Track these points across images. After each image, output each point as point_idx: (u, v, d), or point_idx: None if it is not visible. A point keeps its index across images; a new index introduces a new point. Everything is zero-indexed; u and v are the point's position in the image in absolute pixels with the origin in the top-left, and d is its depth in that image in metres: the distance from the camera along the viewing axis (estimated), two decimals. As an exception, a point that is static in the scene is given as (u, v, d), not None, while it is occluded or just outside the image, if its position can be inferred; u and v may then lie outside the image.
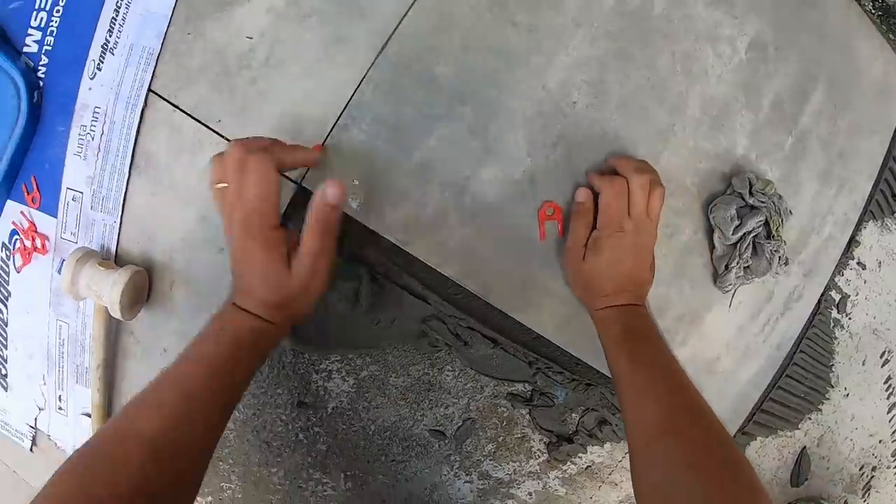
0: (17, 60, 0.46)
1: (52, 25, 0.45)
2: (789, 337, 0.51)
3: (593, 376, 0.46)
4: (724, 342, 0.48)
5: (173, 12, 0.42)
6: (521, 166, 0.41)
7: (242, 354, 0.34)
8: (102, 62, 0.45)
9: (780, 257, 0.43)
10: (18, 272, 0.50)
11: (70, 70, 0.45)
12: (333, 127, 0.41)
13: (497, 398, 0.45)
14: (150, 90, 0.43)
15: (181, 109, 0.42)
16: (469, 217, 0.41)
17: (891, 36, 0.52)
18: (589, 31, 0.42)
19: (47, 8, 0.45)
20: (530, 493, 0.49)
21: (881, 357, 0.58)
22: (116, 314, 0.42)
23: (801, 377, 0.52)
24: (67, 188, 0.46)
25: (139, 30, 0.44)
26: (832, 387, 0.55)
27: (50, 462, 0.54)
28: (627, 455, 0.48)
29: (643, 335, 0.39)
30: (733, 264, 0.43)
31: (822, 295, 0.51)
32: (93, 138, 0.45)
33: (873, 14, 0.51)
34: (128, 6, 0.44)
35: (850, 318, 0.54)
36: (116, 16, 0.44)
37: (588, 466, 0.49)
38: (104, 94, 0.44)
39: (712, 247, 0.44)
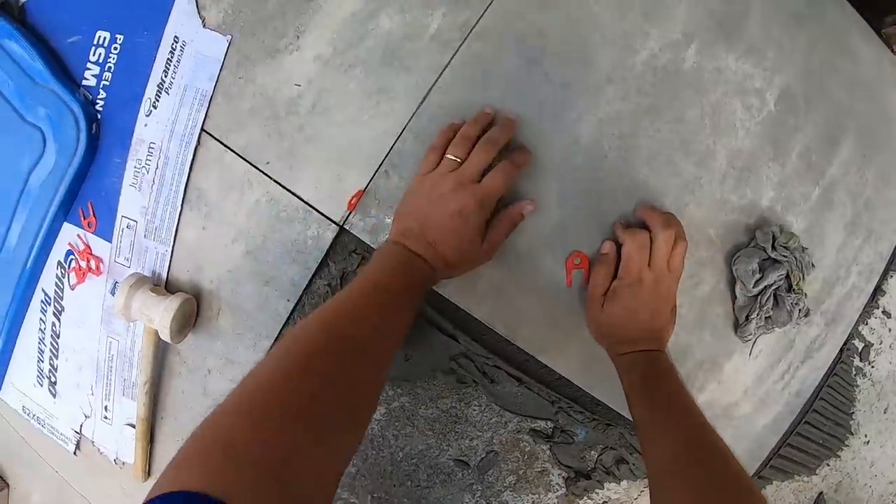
0: (76, 92, 0.49)
1: (110, 62, 0.49)
2: (809, 385, 0.52)
3: (613, 417, 0.47)
4: (742, 389, 0.49)
5: (225, 57, 0.45)
6: (551, 216, 0.43)
7: (414, 282, 0.38)
8: (158, 100, 0.48)
9: (800, 310, 0.44)
10: (73, 290, 0.53)
11: (127, 106, 0.49)
12: (375, 174, 0.43)
13: (520, 433, 0.47)
14: (202, 130, 0.46)
15: (232, 150, 0.45)
16: (500, 263, 0.43)
17: (923, 86, 0.52)
18: (621, 86, 0.43)
19: (105, 45, 0.49)
20: (547, 524, 0.51)
21: (903, 404, 0.58)
22: (166, 338, 0.45)
23: (821, 424, 0.53)
24: (122, 216, 0.50)
25: (193, 72, 0.47)
26: (852, 434, 0.55)
27: (92, 466, 0.57)
28: (643, 493, 0.50)
29: (662, 381, 0.40)
30: (754, 315, 0.44)
31: (845, 343, 0.52)
32: (147, 171, 0.48)
33: (906, 64, 0.51)
34: (182, 49, 0.46)
35: (872, 367, 0.55)
36: (171, 57, 0.47)
37: (605, 502, 0.50)
38: (159, 130, 0.48)
39: (734, 297, 0.45)
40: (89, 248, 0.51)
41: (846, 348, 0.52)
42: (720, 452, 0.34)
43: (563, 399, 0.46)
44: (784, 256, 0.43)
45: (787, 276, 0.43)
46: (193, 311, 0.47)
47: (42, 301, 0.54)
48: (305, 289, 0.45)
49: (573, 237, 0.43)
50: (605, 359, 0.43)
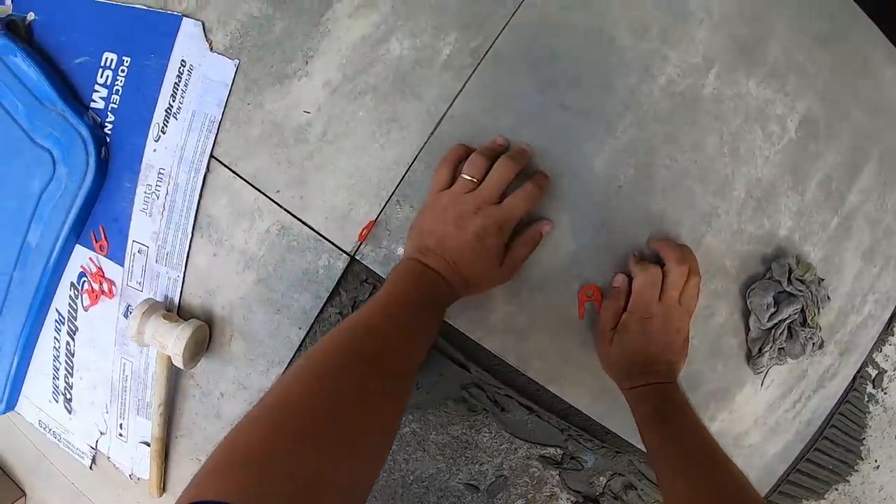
0: (83, 115, 0.49)
1: (117, 84, 0.48)
2: (820, 413, 0.51)
3: (622, 445, 0.47)
4: (753, 418, 0.49)
5: (233, 82, 0.45)
6: (564, 247, 0.43)
7: (434, 298, 0.38)
8: (167, 126, 0.47)
9: (814, 343, 0.43)
10: (86, 311, 0.54)
11: (136, 130, 0.48)
12: (386, 204, 0.43)
13: (529, 459, 0.47)
14: (212, 156, 0.45)
15: (241, 177, 0.45)
16: (512, 294, 0.43)
17: (949, 108, 0.50)
18: (638, 113, 0.42)
19: (112, 67, 0.48)
20: (554, 545, 0.52)
21: (915, 429, 0.57)
22: (179, 364, 0.46)
23: (831, 450, 0.53)
24: (133, 241, 0.50)
25: (201, 97, 0.46)
26: (862, 459, 0.55)
27: (107, 479, 0.58)
28: (650, 517, 0.50)
29: (675, 414, 0.40)
30: (767, 348, 0.44)
31: (858, 371, 0.51)
32: (157, 197, 0.48)
33: (932, 86, 0.49)
34: (189, 73, 0.46)
35: (885, 393, 0.54)
36: (179, 81, 0.46)
37: (612, 525, 0.51)
38: (168, 156, 0.47)
39: (747, 328, 0.45)
40: (102, 271, 0.52)
41: (859, 376, 0.52)
42: (739, 486, 0.34)
43: (574, 427, 0.46)
44: (800, 290, 0.43)
45: (803, 311, 0.43)
46: (206, 337, 0.48)
47: (56, 321, 0.55)
48: (317, 317, 0.45)
49: (587, 269, 0.43)
50: (615, 390, 0.43)
